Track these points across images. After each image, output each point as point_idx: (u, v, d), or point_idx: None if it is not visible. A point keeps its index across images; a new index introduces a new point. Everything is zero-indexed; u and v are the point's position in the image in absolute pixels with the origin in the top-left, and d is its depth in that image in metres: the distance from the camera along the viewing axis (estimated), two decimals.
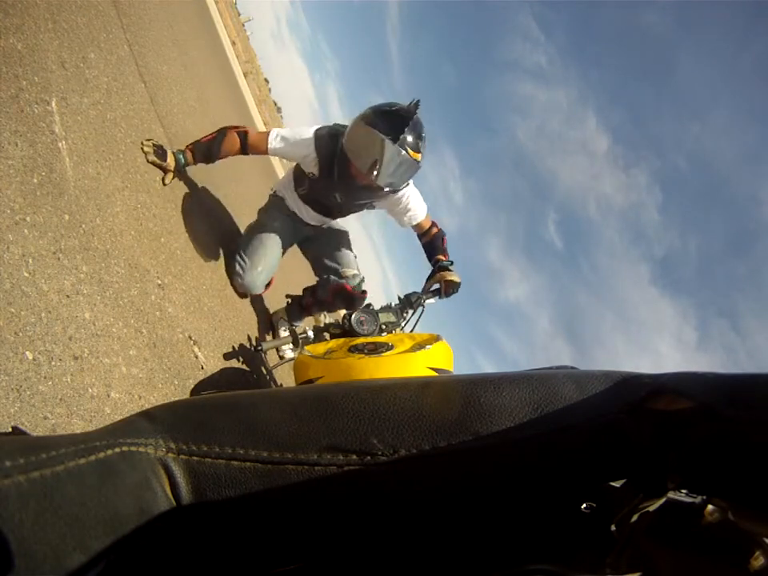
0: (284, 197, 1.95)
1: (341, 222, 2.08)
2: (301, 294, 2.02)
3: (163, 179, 1.68)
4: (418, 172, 1.62)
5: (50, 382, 0.79)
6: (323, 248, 2.00)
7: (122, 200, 1.33)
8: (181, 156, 1.70)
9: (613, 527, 0.34)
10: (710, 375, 0.32)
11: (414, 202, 1.77)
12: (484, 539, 0.37)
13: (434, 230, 1.84)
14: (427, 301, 1.58)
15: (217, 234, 2.09)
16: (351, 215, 1.98)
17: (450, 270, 1.64)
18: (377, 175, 1.50)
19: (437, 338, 1.11)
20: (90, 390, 0.87)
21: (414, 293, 1.58)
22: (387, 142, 1.44)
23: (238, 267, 1.87)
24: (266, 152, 1.72)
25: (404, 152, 1.47)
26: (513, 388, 0.35)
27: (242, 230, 2.53)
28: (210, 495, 0.31)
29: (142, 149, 1.62)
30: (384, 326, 1.39)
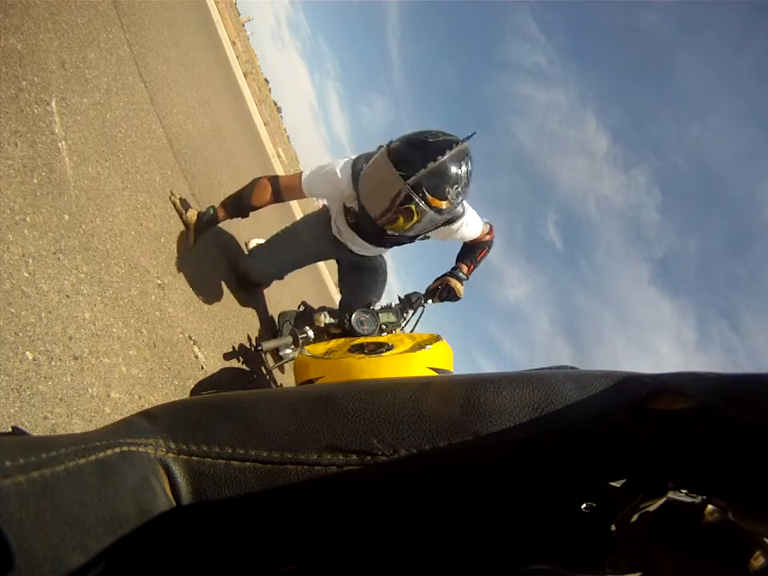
0: (332, 218, 1.71)
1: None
2: (316, 308, 2.01)
3: (188, 237, 1.63)
4: (458, 217, 1.37)
5: (50, 382, 0.79)
6: (362, 278, 1.88)
7: (121, 200, 1.33)
8: (210, 210, 1.60)
9: (613, 527, 0.34)
10: (710, 375, 0.32)
11: (470, 230, 1.53)
12: (484, 539, 0.37)
13: (485, 237, 1.65)
14: (427, 302, 1.58)
15: (217, 234, 2.09)
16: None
17: (459, 281, 1.61)
18: (384, 222, 1.26)
19: (437, 338, 1.11)
20: (90, 390, 0.87)
21: (415, 293, 1.58)
22: (398, 178, 1.16)
23: (251, 247, 1.88)
24: (301, 194, 1.54)
25: (416, 197, 1.17)
26: (513, 388, 0.35)
27: (242, 231, 2.53)
28: (209, 495, 0.31)
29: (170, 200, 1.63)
30: (384, 326, 1.39)
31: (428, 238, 1.60)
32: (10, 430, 0.36)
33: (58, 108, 1.20)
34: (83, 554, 0.25)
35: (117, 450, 0.30)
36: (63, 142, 1.16)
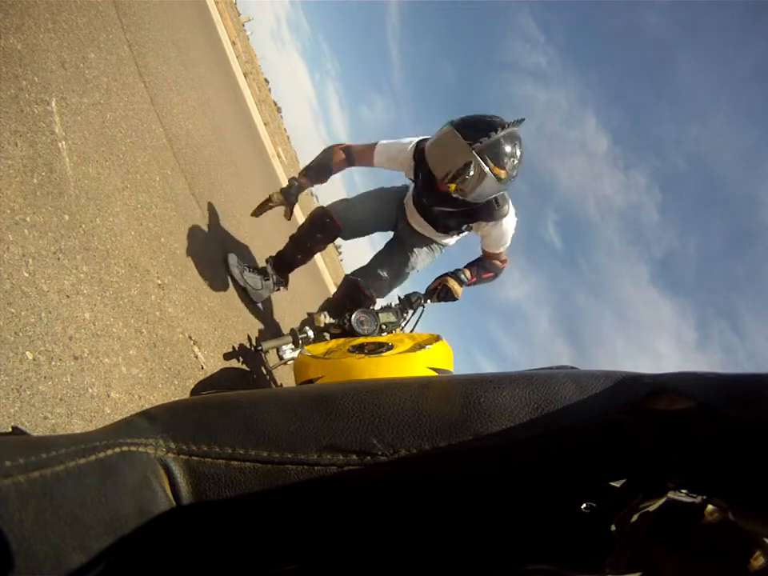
0: (408, 191, 1.88)
1: (446, 240, 1.93)
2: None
3: (285, 214, 1.76)
4: (505, 194, 1.51)
5: (50, 382, 0.79)
6: (392, 255, 1.92)
7: (121, 200, 1.33)
8: (294, 182, 1.74)
9: (613, 527, 0.34)
10: (711, 375, 0.32)
11: (500, 236, 1.67)
12: (484, 539, 0.37)
13: (498, 261, 1.76)
14: (426, 301, 1.59)
15: (217, 234, 2.09)
16: (454, 237, 1.89)
17: (458, 282, 1.63)
18: (450, 180, 1.39)
19: (437, 338, 1.11)
20: (90, 390, 0.87)
21: (415, 293, 1.58)
22: (465, 145, 1.33)
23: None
24: (371, 160, 1.71)
25: (481, 161, 1.34)
26: (513, 388, 0.35)
27: (242, 231, 2.53)
28: (209, 495, 0.31)
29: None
30: (384, 326, 1.39)
31: (470, 229, 1.74)
32: (10, 430, 0.36)
33: (58, 108, 1.20)
34: (83, 554, 0.25)
35: (117, 449, 0.30)
36: (63, 142, 1.16)
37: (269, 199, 1.73)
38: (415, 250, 1.91)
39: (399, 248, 1.94)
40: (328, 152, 1.75)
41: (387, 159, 1.69)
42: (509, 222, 1.64)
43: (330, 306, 1.96)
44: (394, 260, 1.92)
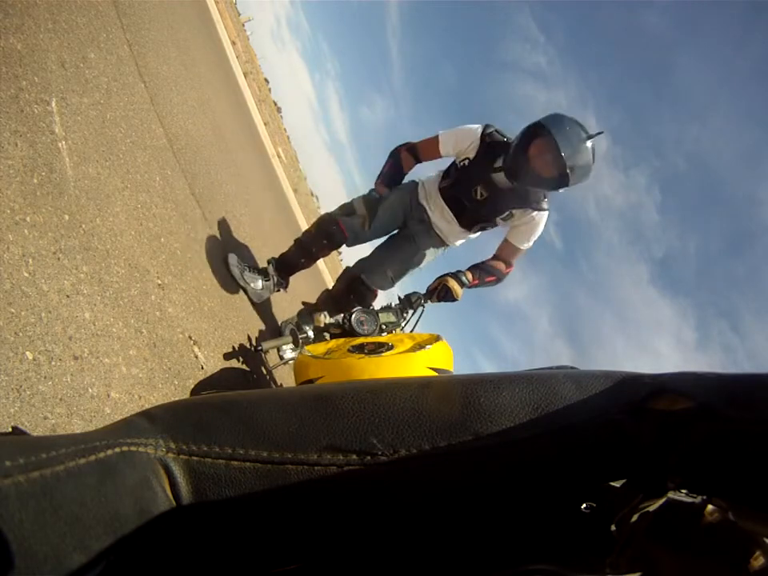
0: (423, 186, 1.90)
1: (459, 240, 1.95)
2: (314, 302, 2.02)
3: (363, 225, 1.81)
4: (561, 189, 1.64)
5: (50, 382, 0.79)
6: (397, 251, 1.91)
7: (121, 200, 1.33)
8: (372, 192, 1.83)
9: (613, 527, 0.34)
10: (711, 375, 0.32)
11: (528, 230, 1.74)
12: (484, 539, 0.37)
13: (504, 265, 1.80)
14: (426, 301, 1.59)
15: (217, 234, 2.09)
16: (469, 235, 1.91)
17: (459, 283, 1.63)
18: (566, 160, 1.47)
19: (437, 338, 1.11)
20: (90, 390, 0.87)
21: (415, 293, 1.58)
22: (586, 139, 1.47)
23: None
24: (437, 152, 1.77)
25: (591, 155, 1.50)
26: (513, 388, 0.35)
27: (242, 231, 2.53)
28: (210, 495, 0.31)
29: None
30: (384, 326, 1.39)
31: (512, 216, 1.76)
32: (10, 430, 0.36)
33: (58, 108, 1.20)
34: (83, 554, 0.25)
35: (117, 449, 0.30)
36: (63, 142, 1.16)
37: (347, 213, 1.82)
38: (423, 249, 1.91)
39: (406, 245, 1.92)
40: (396, 157, 1.84)
41: (454, 146, 1.75)
42: (543, 220, 1.73)
43: (331, 300, 1.95)
44: (397, 256, 1.91)
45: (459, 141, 1.74)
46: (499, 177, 1.67)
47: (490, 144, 1.68)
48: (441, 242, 1.92)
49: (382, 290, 1.87)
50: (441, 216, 1.85)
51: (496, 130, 1.70)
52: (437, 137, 1.77)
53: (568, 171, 1.49)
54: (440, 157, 1.80)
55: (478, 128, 1.72)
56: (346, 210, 1.85)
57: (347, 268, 1.96)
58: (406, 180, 1.94)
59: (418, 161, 1.84)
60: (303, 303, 2.11)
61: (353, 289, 1.84)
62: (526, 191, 1.66)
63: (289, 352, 1.85)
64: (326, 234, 1.83)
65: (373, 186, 1.88)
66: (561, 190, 1.63)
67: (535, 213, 1.70)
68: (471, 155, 1.72)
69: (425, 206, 1.88)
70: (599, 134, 1.50)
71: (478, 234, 1.91)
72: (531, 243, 1.78)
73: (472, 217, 1.80)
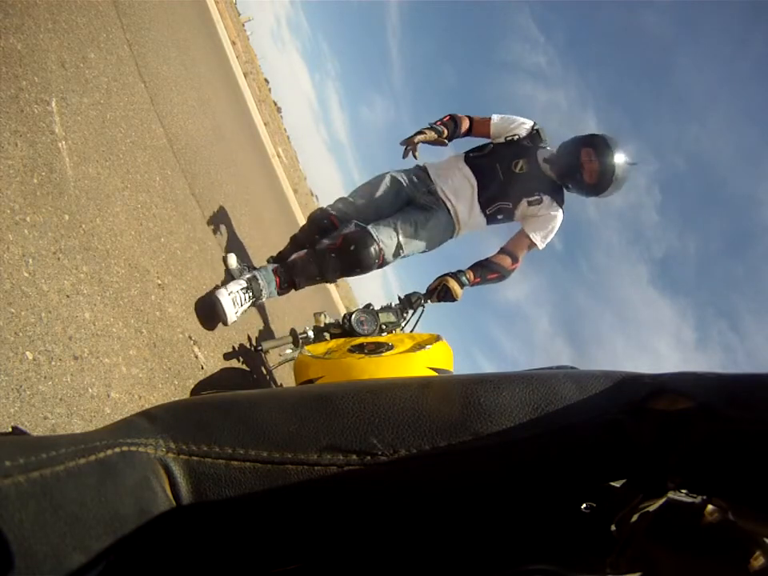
0: (432, 166, 1.86)
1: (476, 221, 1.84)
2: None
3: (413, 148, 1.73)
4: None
5: (50, 382, 0.79)
6: (412, 215, 1.73)
7: (122, 200, 1.33)
8: (438, 127, 1.78)
9: (613, 527, 0.34)
10: (710, 375, 0.32)
11: (550, 227, 1.76)
12: (484, 539, 0.37)
13: (511, 261, 1.76)
14: (426, 301, 1.58)
15: (217, 234, 2.09)
16: (478, 223, 1.83)
17: (458, 283, 1.62)
18: (611, 174, 1.61)
19: (437, 338, 1.11)
20: (90, 390, 0.87)
21: (415, 293, 1.58)
22: (629, 164, 1.63)
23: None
24: (487, 131, 1.82)
25: (627, 179, 1.65)
26: (513, 388, 0.35)
27: (242, 231, 2.53)
28: (210, 495, 0.31)
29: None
30: (384, 326, 1.39)
31: (540, 203, 1.75)
32: (10, 430, 0.36)
33: (58, 108, 1.20)
34: (83, 554, 0.25)
35: (117, 449, 0.30)
36: (63, 142, 1.16)
37: (420, 132, 1.74)
38: (436, 216, 1.76)
39: (417, 211, 1.76)
40: (455, 117, 1.83)
41: (504, 128, 1.81)
42: (559, 215, 1.77)
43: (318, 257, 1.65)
44: (409, 218, 1.72)
45: (508, 127, 1.80)
46: (543, 162, 1.74)
47: (539, 135, 1.78)
48: (449, 221, 1.80)
49: (385, 251, 1.63)
50: (458, 187, 1.78)
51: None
52: (490, 118, 1.82)
53: (609, 184, 1.62)
54: (488, 136, 1.83)
55: (528, 125, 1.81)
56: (341, 202, 1.81)
57: (356, 224, 1.72)
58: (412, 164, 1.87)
59: (470, 133, 1.84)
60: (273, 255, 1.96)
61: (349, 241, 1.59)
62: (558, 187, 1.74)
63: (289, 352, 1.86)
64: (318, 228, 1.80)
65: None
66: (589, 198, 1.75)
67: (559, 210, 1.76)
68: (521, 133, 1.78)
69: (435, 181, 1.82)
70: (636, 164, 1.67)
71: (486, 225, 1.83)
72: (544, 244, 1.78)
73: (499, 189, 1.76)
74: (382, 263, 1.67)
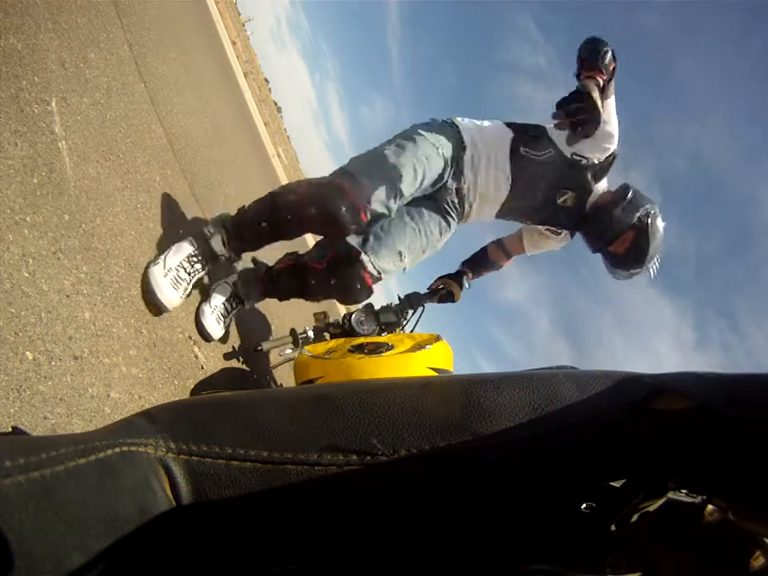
0: (472, 140, 1.40)
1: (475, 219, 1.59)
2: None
3: None
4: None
5: (50, 382, 0.79)
6: (421, 230, 1.43)
7: (121, 200, 1.32)
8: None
9: (613, 527, 0.34)
10: (710, 375, 0.32)
11: (548, 249, 1.66)
12: (484, 539, 0.37)
13: (506, 258, 1.71)
14: (426, 302, 1.58)
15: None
16: (484, 219, 1.59)
17: (461, 288, 1.62)
18: (643, 266, 1.44)
19: (437, 338, 1.11)
20: (90, 390, 0.87)
21: (415, 293, 1.58)
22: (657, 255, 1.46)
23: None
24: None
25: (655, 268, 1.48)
26: (513, 388, 0.35)
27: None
28: (210, 495, 0.31)
29: None
30: (384, 326, 1.39)
31: (558, 235, 1.60)
32: (10, 430, 0.36)
33: (58, 108, 1.20)
34: (83, 554, 0.25)
35: (117, 449, 0.30)
36: (63, 142, 1.16)
37: None
38: (453, 226, 1.51)
39: (435, 222, 1.47)
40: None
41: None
42: (559, 247, 1.64)
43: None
44: (423, 235, 1.45)
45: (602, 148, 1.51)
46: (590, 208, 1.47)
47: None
48: (457, 226, 1.55)
49: (384, 277, 1.42)
50: (486, 190, 1.44)
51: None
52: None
53: (638, 270, 1.45)
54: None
55: (614, 146, 1.56)
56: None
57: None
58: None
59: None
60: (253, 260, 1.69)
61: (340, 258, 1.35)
62: (578, 225, 1.50)
63: (289, 352, 1.86)
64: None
65: None
66: (612, 271, 1.50)
67: (564, 244, 1.62)
68: (600, 157, 1.44)
69: (466, 174, 1.41)
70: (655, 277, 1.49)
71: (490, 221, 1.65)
72: (537, 253, 1.69)
73: (528, 210, 1.48)
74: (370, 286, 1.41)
